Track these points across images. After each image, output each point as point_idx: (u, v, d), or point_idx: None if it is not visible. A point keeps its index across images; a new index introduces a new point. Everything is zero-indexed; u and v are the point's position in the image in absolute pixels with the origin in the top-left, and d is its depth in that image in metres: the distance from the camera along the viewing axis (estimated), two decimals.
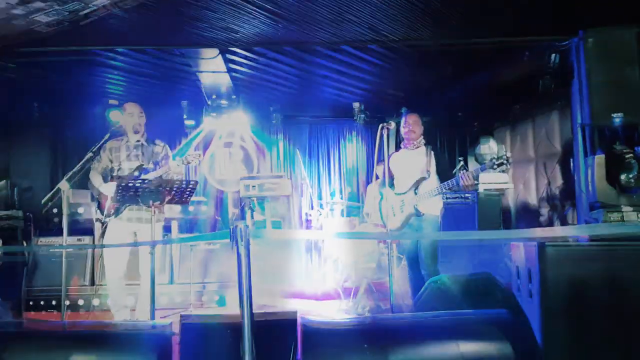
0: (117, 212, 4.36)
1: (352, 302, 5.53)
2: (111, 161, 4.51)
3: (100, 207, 4.47)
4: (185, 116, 8.02)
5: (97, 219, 4.57)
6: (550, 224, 7.22)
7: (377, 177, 5.18)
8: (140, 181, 3.83)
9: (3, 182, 6.65)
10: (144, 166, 4.46)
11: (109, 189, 4.33)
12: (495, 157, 3.90)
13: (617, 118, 3.99)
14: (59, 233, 5.97)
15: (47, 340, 2.54)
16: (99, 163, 4.50)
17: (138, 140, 4.55)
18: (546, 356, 2.69)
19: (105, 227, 4.48)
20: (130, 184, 3.79)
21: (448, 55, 6.15)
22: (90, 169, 4.56)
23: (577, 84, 4.65)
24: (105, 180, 4.47)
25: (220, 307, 5.95)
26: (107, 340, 2.53)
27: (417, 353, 2.57)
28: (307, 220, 7.41)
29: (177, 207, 6.48)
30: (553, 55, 5.10)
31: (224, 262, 6.08)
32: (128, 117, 4.53)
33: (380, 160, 4.75)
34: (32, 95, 7.24)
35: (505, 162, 3.86)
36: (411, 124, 4.61)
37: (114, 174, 4.47)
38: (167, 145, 4.71)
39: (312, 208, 7.41)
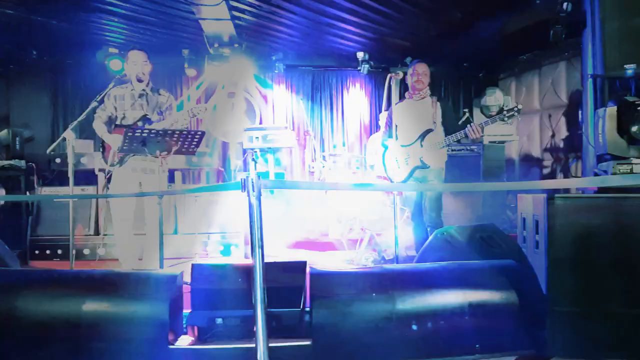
0: (122, 161, 4.34)
1: (356, 253, 5.58)
2: (115, 109, 4.43)
3: (104, 156, 4.44)
4: (186, 65, 7.92)
5: (101, 169, 4.52)
6: (553, 175, 7.24)
7: (380, 128, 5.13)
8: (147, 131, 3.79)
9: (4, 131, 6.59)
10: (147, 116, 4.40)
11: (113, 139, 4.30)
12: (506, 108, 3.86)
13: (630, 69, 3.91)
14: (62, 182, 5.97)
15: (60, 288, 2.57)
16: (103, 111, 4.41)
17: (143, 90, 4.47)
18: (551, 305, 2.72)
19: (110, 176, 4.46)
20: (138, 133, 3.75)
21: (456, 2, 5.99)
22: (93, 117, 4.48)
23: (589, 33, 4.53)
24: (108, 128, 4.42)
25: (225, 256, 6.01)
26: (119, 288, 2.57)
27: (425, 301, 2.61)
28: (310, 172, 7.39)
29: (181, 158, 6.45)
30: (565, 3, 4.95)
31: (227, 212, 6.10)
32: (132, 65, 4.42)
33: (387, 109, 4.70)
34: (31, 42, 7.10)
35: (515, 113, 3.83)
36: (420, 74, 4.52)
37: (118, 122, 4.42)
38: (171, 96, 4.64)
39: (315, 160, 7.38)
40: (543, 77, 7.59)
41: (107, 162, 4.39)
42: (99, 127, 4.40)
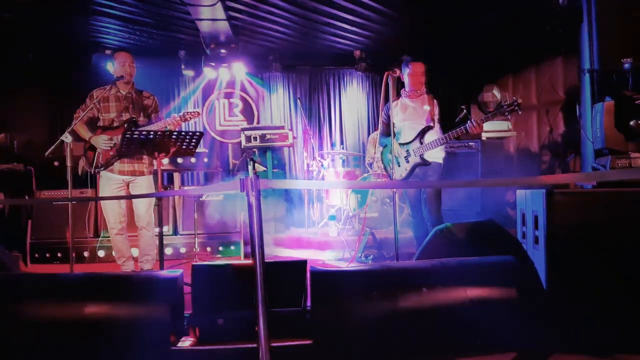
0: (107, 164, 4.30)
1: (356, 251, 5.58)
2: (98, 111, 4.39)
3: (88, 158, 4.40)
4: (183, 66, 7.92)
5: (85, 171, 4.48)
6: (551, 171, 7.23)
7: (379, 126, 5.12)
8: (146, 132, 3.77)
9: (2, 135, 6.58)
10: (134, 118, 4.37)
11: (100, 141, 4.27)
12: (507, 102, 3.86)
13: (627, 63, 3.92)
14: (61, 185, 5.95)
15: (61, 292, 2.57)
16: (85, 113, 4.33)
17: (129, 92, 4.44)
18: (551, 300, 2.73)
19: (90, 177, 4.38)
20: (136, 135, 3.74)
21: None
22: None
23: (585, 28, 4.53)
24: (90, 129, 4.36)
25: (224, 257, 6.02)
26: (120, 291, 2.56)
27: (425, 298, 2.61)
28: (308, 171, 7.39)
29: (179, 159, 6.45)
30: None
31: (227, 212, 6.10)
32: (119, 67, 4.39)
33: (385, 108, 4.70)
34: (28, 46, 7.08)
35: (516, 107, 3.83)
36: (419, 74, 4.54)
37: (102, 124, 4.37)
38: (155, 98, 4.59)
39: (313, 159, 7.38)
40: (540, 72, 7.57)
41: (93, 164, 4.34)
42: (81, 128, 4.33)
